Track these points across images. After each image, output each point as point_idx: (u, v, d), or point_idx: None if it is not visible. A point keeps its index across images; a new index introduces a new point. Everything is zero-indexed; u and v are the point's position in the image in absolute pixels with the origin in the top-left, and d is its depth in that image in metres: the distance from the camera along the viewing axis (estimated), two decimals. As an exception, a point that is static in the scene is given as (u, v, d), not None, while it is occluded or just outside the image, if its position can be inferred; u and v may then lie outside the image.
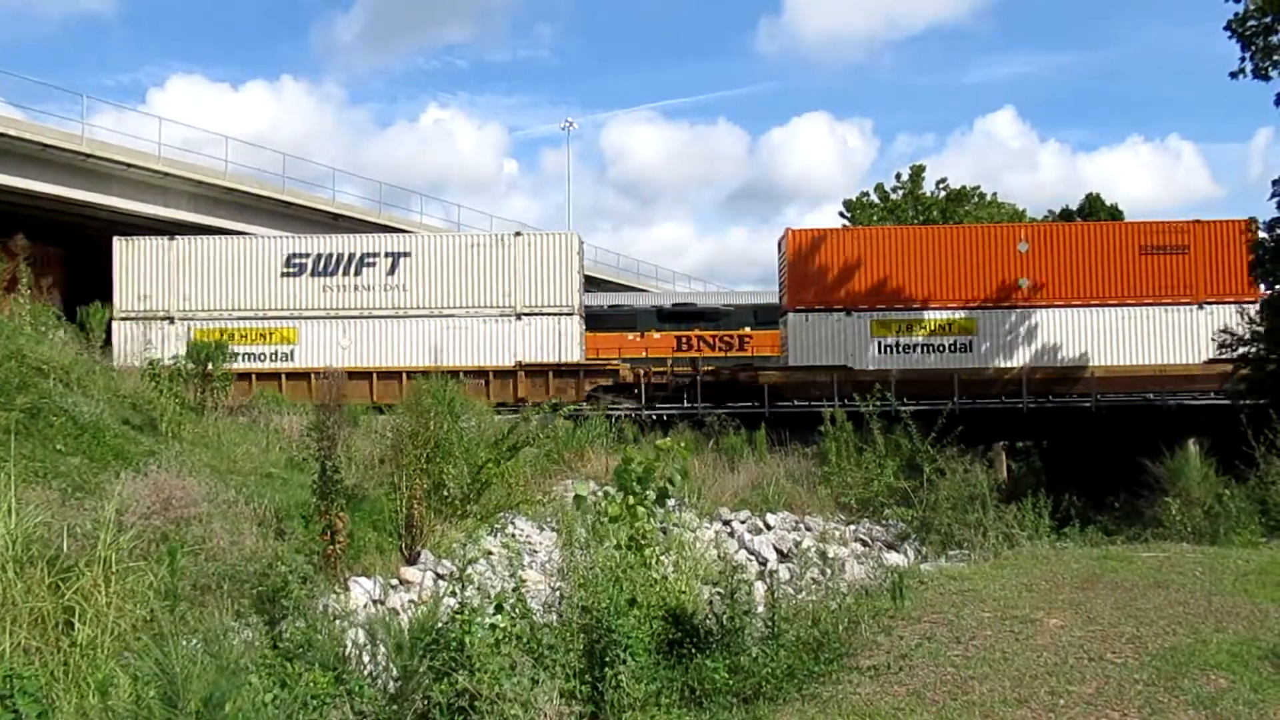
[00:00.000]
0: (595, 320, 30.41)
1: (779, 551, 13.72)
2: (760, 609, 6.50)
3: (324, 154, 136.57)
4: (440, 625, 5.29)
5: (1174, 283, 24.85)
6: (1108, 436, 22.56)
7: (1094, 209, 44.94)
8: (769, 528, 14.96)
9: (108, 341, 17.93)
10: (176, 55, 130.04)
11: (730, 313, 35.52)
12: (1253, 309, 20.92)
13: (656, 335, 34.77)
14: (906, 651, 6.40)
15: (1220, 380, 21.78)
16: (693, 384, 24.67)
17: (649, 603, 6.28)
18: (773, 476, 17.14)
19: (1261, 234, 20.02)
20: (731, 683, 5.68)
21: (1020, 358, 24.92)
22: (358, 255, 24.73)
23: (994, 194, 47.14)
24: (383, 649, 5.40)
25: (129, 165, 28.24)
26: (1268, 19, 18.07)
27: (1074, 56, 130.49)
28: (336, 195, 37.40)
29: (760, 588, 7.27)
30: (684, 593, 7.20)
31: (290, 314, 24.46)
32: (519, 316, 24.55)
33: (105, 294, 21.57)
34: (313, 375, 21.75)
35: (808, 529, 14.99)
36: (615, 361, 26.73)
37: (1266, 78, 18.44)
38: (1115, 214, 44.11)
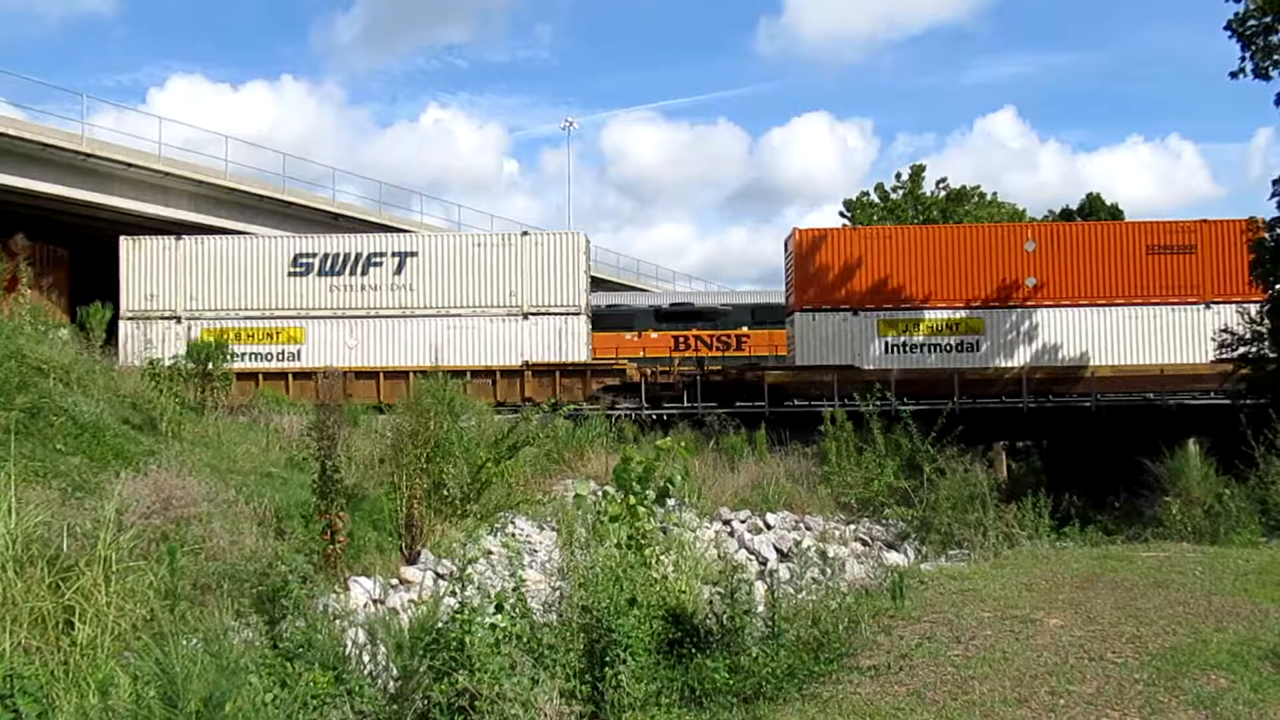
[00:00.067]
0: (593, 320, 30.44)
1: (779, 551, 13.71)
2: (760, 609, 6.50)
3: (324, 154, 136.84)
4: (440, 625, 5.29)
5: (1181, 282, 24.85)
6: (1108, 436, 22.58)
7: (1094, 209, 45.00)
8: (769, 527, 14.96)
9: (110, 341, 17.93)
10: (176, 55, 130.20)
11: (728, 312, 35.55)
12: (1253, 308, 20.92)
13: (654, 335, 34.80)
14: (907, 651, 6.41)
15: (1225, 380, 21.79)
16: (698, 383, 24.69)
17: (649, 602, 6.27)
18: (773, 476, 17.15)
19: (1262, 234, 20.00)
20: (731, 682, 5.67)
21: (1022, 357, 24.92)
22: (364, 255, 24.76)
23: (994, 194, 47.27)
24: (383, 649, 5.40)
25: (129, 165, 28.25)
26: (1268, 19, 18.06)
27: (1074, 57, 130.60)
28: (337, 195, 37.53)
29: (760, 587, 7.26)
30: (684, 592, 7.19)
31: (297, 314, 24.51)
32: (525, 316, 24.58)
33: (110, 294, 21.56)
34: (319, 375, 21.81)
35: (808, 528, 14.99)
36: (622, 361, 26.76)
37: (1267, 77, 18.44)
38: (1115, 214, 44.16)
